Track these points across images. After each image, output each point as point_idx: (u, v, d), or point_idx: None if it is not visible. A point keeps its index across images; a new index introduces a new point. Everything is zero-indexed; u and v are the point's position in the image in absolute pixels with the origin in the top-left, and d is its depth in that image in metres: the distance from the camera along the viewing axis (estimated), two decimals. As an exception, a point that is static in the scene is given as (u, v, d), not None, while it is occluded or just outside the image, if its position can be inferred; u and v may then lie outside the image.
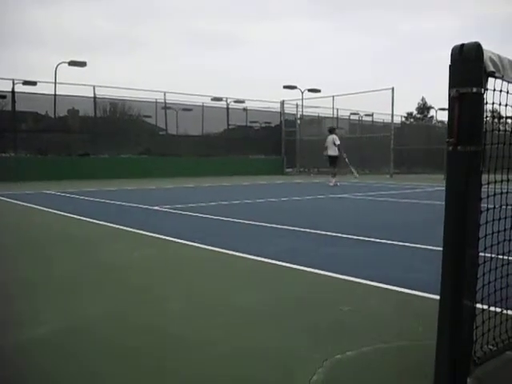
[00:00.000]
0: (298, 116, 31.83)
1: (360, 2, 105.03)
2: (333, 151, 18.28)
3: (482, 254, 2.33)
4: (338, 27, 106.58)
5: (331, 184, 17.90)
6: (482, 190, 2.27)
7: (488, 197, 2.43)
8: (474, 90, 2.13)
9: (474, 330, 2.29)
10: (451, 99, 2.16)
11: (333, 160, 18.39)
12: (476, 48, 2.12)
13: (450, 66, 2.18)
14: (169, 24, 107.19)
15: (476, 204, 2.22)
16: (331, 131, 19.07)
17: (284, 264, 5.08)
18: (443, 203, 2.26)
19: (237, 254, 5.62)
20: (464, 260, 2.20)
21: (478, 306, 2.35)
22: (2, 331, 3.27)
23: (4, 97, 22.09)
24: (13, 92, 21.85)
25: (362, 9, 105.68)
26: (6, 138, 22.21)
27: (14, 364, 2.78)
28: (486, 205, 2.39)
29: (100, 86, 23.84)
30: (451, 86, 2.17)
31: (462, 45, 2.15)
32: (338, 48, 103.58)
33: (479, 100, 2.17)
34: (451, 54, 2.17)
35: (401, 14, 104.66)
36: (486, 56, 2.16)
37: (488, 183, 2.39)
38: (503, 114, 2.57)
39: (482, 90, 2.17)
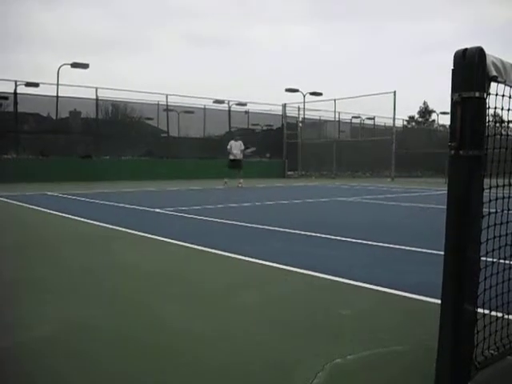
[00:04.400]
0: (300, 119, 31.85)
1: (361, 6, 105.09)
2: (239, 155, 20.60)
3: (483, 258, 2.33)
4: (339, 31, 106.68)
5: (241, 185, 19.60)
6: (484, 194, 2.27)
7: (490, 201, 2.42)
8: (477, 94, 2.13)
9: (475, 335, 2.29)
10: (454, 103, 2.16)
11: (238, 163, 20.46)
12: (479, 52, 2.12)
13: (452, 70, 2.18)
14: (170, 26, 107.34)
15: (478, 208, 2.22)
16: (237, 139, 21.22)
17: (283, 266, 5.08)
18: (444, 207, 2.26)
19: (236, 256, 5.62)
20: (465, 264, 2.20)
21: (480, 310, 2.35)
22: (5, 330, 3.27)
23: (6, 98, 22.14)
24: (15, 93, 21.91)
25: (364, 13, 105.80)
26: (8, 139, 22.25)
27: (16, 363, 2.77)
28: (487, 209, 2.39)
29: (102, 88, 23.93)
30: (454, 90, 2.17)
31: (465, 49, 2.14)
32: (339, 52, 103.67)
33: (482, 104, 2.17)
34: (454, 58, 2.17)
35: (402, 18, 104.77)
36: (488, 60, 2.16)
37: (490, 188, 2.39)
38: (505, 118, 2.57)
39: (485, 94, 2.17)
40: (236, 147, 20.55)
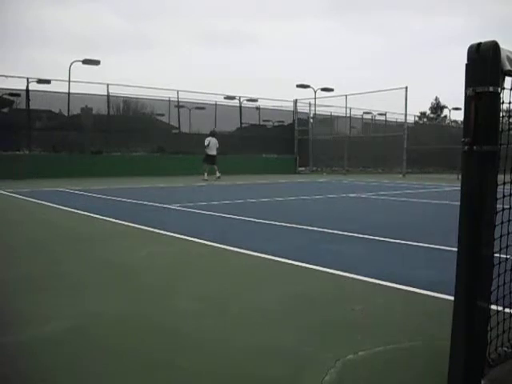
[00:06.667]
0: (311, 115, 31.77)
1: (373, 1, 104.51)
2: (215, 151, 21.00)
3: (497, 254, 2.31)
4: (351, 27, 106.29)
5: (219, 177, 20.10)
6: (498, 190, 2.24)
7: (504, 197, 2.40)
8: (491, 89, 2.10)
9: (489, 332, 2.27)
10: (467, 98, 2.14)
11: (215, 158, 20.98)
12: (493, 47, 2.10)
13: (466, 64, 2.16)
14: (181, 22, 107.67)
15: (491, 204, 2.20)
16: (214, 135, 21.66)
17: (295, 263, 5.07)
18: (458, 203, 2.24)
19: (247, 252, 5.62)
20: (479, 261, 2.18)
21: (493, 307, 2.33)
22: (8, 329, 3.26)
23: (18, 95, 22.24)
24: (27, 90, 21.99)
25: (375, 8, 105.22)
26: (20, 135, 22.37)
27: (17, 362, 2.75)
28: (501, 205, 2.37)
29: (113, 85, 23.97)
30: (467, 85, 2.14)
31: (479, 43, 2.12)
32: (350, 47, 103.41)
33: (496, 99, 2.15)
34: (468, 53, 2.14)
35: (414, 13, 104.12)
36: (503, 55, 2.13)
37: (504, 183, 2.36)
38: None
39: (499, 89, 2.15)
40: (214, 144, 21.02)
